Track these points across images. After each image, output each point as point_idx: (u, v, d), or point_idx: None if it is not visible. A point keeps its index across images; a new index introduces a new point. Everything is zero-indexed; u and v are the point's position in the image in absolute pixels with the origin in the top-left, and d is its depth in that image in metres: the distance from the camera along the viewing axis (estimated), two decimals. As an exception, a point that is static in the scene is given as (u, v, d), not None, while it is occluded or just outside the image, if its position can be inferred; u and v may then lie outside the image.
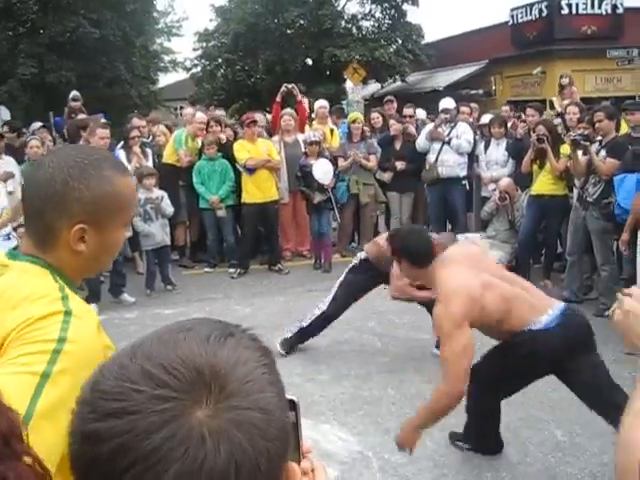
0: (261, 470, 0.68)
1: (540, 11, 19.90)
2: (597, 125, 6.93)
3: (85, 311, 1.54)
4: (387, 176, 9.74)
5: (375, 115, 10.39)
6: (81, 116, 9.92)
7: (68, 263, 1.59)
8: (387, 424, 4.85)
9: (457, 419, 4.28)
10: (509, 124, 9.53)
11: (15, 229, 6.58)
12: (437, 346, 5.00)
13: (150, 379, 0.68)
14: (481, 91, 21.01)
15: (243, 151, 8.93)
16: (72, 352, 1.41)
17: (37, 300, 1.48)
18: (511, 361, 3.92)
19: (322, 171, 8.87)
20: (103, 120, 9.53)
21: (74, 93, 11.08)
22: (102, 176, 1.57)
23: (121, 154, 8.51)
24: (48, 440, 1.29)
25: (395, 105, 11.22)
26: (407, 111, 10.44)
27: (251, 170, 8.92)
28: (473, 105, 10.90)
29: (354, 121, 9.83)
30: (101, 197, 1.56)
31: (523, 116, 9.60)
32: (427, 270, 3.89)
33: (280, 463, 0.73)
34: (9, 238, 6.50)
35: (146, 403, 0.67)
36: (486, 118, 9.73)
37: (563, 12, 19.53)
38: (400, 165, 9.57)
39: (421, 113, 11.50)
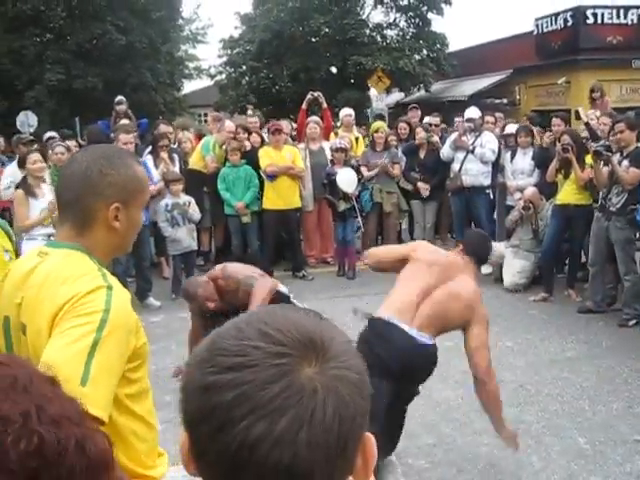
0: (356, 424, 0.77)
1: (565, 21, 19.85)
2: (618, 136, 6.95)
3: (120, 287, 1.85)
4: (411, 185, 9.82)
5: (403, 125, 10.46)
6: (125, 121, 9.98)
7: (103, 242, 1.92)
8: (411, 430, 4.89)
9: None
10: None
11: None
12: None
13: (267, 337, 0.78)
14: (505, 100, 20.97)
15: (266, 158, 9.03)
16: (115, 319, 1.73)
17: (81, 277, 1.79)
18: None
19: (346, 180, 8.93)
20: (127, 125, 9.60)
21: (119, 97, 11.06)
22: (126, 164, 1.95)
23: (148, 159, 8.64)
24: (104, 392, 1.67)
25: (419, 113, 11.28)
26: (433, 120, 10.49)
27: (272, 177, 9.02)
28: (498, 114, 10.92)
29: (377, 130, 9.89)
30: (128, 180, 1.93)
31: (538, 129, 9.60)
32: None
33: (365, 423, 0.81)
34: (49, 239, 6.63)
35: (265, 358, 0.76)
36: (511, 128, 9.75)
37: (588, 22, 19.47)
38: (424, 191, 9.65)
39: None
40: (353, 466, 0.80)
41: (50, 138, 10.22)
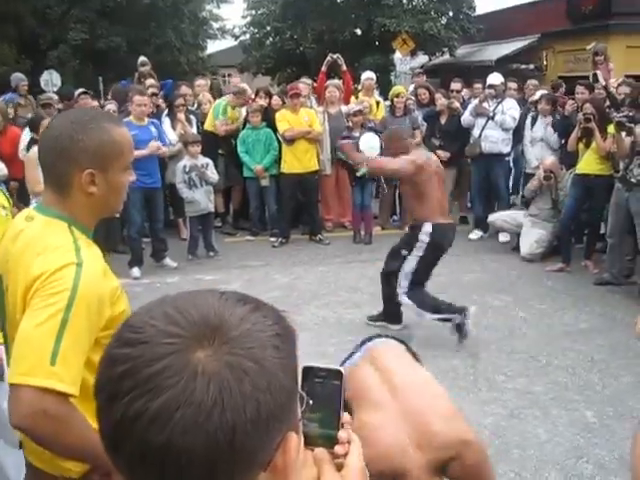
0: (246, 415, 0.73)
1: (597, -16, 19.37)
2: None
3: (93, 260, 1.86)
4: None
5: (422, 91, 10.31)
6: (150, 81, 9.89)
7: (83, 207, 1.92)
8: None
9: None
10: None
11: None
12: None
13: (166, 318, 0.78)
14: (532, 66, 20.58)
15: (284, 121, 8.96)
16: (83, 295, 1.76)
17: (54, 251, 1.82)
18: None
19: (369, 145, 8.83)
20: (143, 87, 9.46)
21: (142, 59, 10.93)
22: (100, 127, 1.90)
23: (166, 121, 8.62)
24: (73, 368, 1.72)
25: (424, 78, 11.32)
26: (454, 86, 10.31)
27: (290, 140, 8.96)
28: (532, 82, 10.62)
29: (397, 95, 9.75)
30: (101, 145, 1.88)
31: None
32: None
33: (273, 421, 0.77)
34: None
35: (156, 336, 0.76)
36: (540, 94, 9.57)
37: (620, -15, 18.99)
38: (443, 156, 9.50)
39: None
40: (261, 464, 0.78)
41: (83, 93, 10.14)
